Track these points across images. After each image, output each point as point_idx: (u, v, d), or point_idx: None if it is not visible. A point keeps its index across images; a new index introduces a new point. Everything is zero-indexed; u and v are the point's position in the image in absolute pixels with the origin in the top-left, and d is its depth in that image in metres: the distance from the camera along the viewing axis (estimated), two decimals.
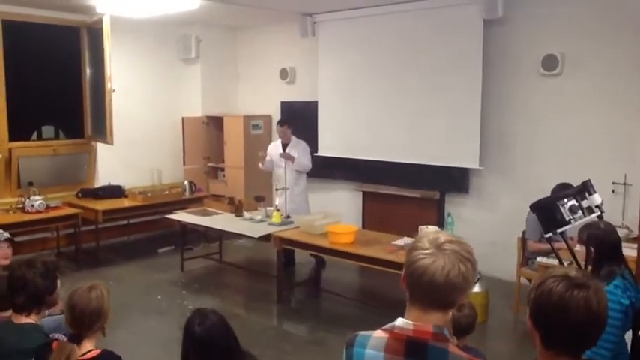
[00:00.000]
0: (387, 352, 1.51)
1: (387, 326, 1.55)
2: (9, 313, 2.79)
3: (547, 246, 4.72)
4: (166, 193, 7.60)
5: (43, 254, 5.76)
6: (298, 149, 6.46)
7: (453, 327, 2.75)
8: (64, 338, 2.36)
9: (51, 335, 2.60)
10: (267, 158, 6.57)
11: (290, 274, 6.41)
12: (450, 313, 1.59)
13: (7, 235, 3.99)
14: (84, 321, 2.34)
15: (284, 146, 6.46)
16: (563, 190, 4.72)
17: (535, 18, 5.81)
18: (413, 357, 1.48)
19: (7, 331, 2.61)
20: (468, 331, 2.79)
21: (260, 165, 6.65)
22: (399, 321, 1.53)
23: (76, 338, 2.32)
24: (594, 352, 2.74)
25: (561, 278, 1.54)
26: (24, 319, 2.62)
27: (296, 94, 7.97)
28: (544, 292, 1.54)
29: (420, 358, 1.47)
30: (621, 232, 4.03)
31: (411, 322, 1.50)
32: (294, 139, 6.52)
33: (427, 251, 1.48)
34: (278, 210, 5.89)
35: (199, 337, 2.27)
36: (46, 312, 2.79)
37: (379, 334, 1.54)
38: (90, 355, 2.30)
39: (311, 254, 5.93)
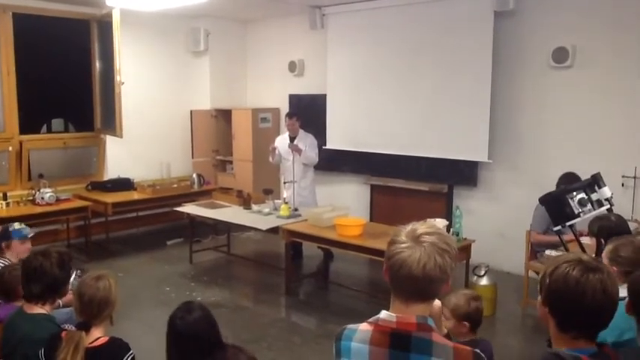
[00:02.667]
0: (372, 345, 1.53)
1: (371, 319, 1.58)
2: (20, 302, 2.83)
3: (550, 238, 4.71)
4: (175, 185, 7.63)
5: (54, 246, 5.81)
6: (306, 142, 6.46)
7: (465, 321, 2.75)
8: (74, 329, 2.39)
9: (62, 326, 2.63)
10: (275, 151, 6.57)
11: (298, 267, 6.43)
12: (438, 303, 1.60)
13: (34, 231, 4.22)
14: (92, 309, 2.37)
15: (292, 139, 6.45)
16: (568, 179, 4.72)
17: (546, 10, 5.76)
18: (397, 348, 1.50)
19: (20, 319, 2.65)
20: (478, 324, 2.79)
21: (270, 159, 6.63)
22: (383, 314, 1.56)
23: (85, 326, 2.35)
24: None
25: (575, 263, 1.55)
26: (36, 309, 2.65)
27: (304, 87, 7.96)
28: (560, 278, 1.55)
29: (405, 349, 1.49)
30: (631, 226, 4.00)
31: (393, 314, 1.53)
32: (302, 132, 6.52)
33: (404, 245, 1.50)
34: (286, 203, 5.90)
35: (179, 331, 2.25)
36: (59, 303, 2.82)
37: (364, 327, 1.57)
38: (98, 342, 2.34)
39: (319, 247, 5.94)
